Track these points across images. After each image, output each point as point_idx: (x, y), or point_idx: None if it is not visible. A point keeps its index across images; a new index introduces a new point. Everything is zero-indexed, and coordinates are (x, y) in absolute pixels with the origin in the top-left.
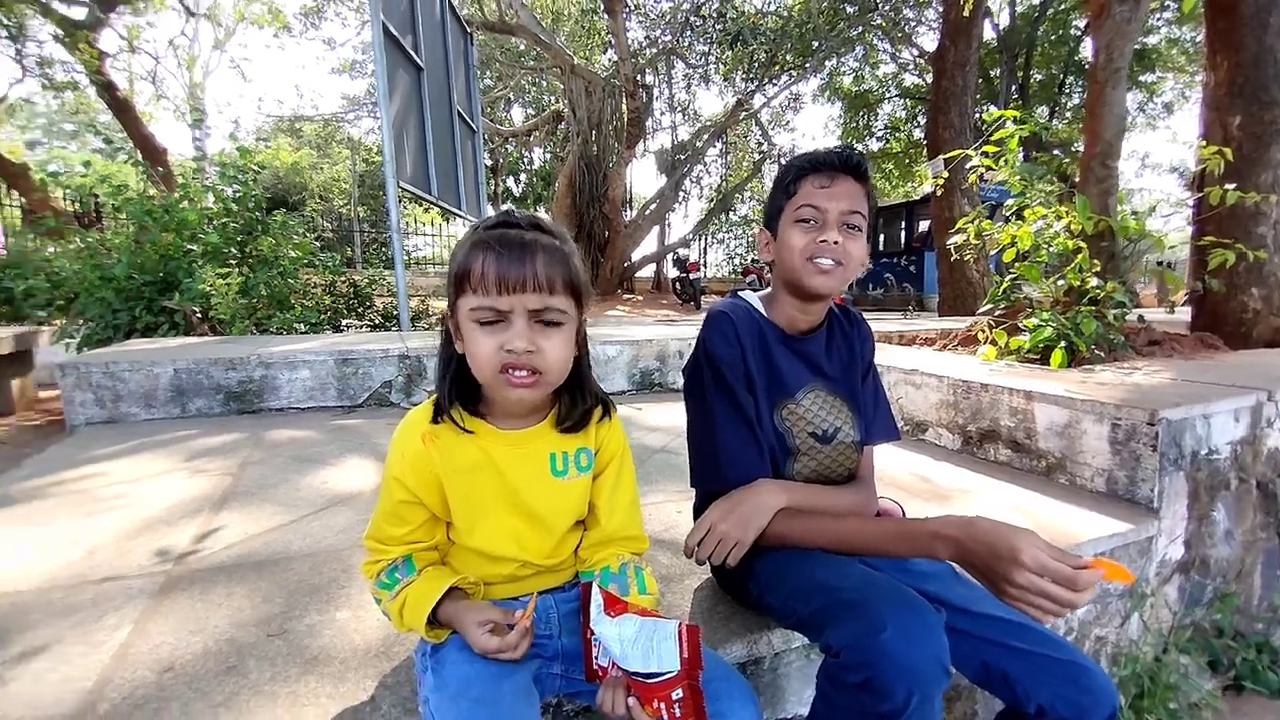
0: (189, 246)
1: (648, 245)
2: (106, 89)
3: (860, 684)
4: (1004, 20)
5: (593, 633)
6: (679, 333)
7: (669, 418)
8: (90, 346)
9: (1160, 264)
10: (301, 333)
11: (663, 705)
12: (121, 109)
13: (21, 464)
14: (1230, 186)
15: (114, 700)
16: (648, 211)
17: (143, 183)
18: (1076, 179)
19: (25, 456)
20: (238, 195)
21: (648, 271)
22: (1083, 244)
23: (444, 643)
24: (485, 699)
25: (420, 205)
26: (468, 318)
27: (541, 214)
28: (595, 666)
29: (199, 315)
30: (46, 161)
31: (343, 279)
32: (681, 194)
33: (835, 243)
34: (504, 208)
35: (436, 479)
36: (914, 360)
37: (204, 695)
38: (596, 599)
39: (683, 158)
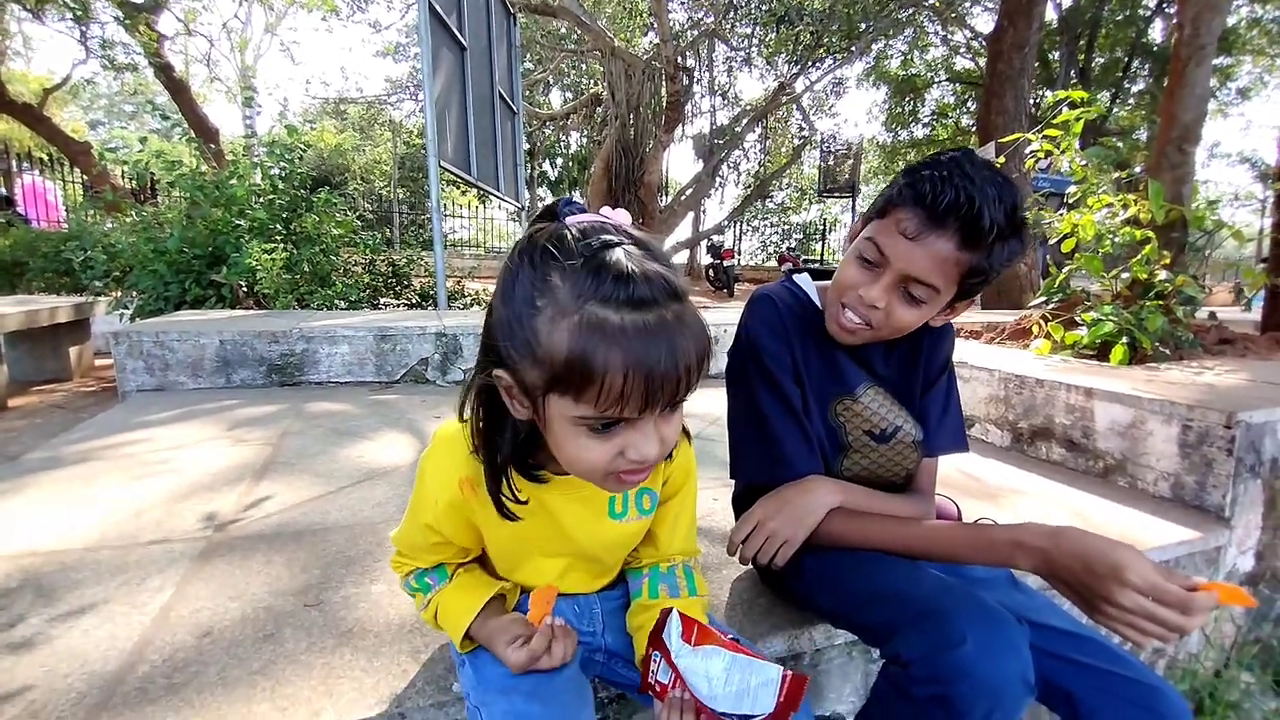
0: (237, 222)
1: (682, 231)
2: (164, 70)
3: (932, 698)
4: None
5: (658, 651)
6: (714, 319)
7: (704, 404)
8: (143, 317)
9: (1262, 260)
10: (341, 309)
11: None
12: (177, 90)
13: (75, 428)
14: None
15: (154, 661)
16: (683, 197)
17: (196, 159)
18: (1139, 167)
19: (80, 421)
20: (284, 173)
21: (680, 258)
22: (1151, 234)
23: None
24: (539, 694)
25: (458, 187)
26: (572, 421)
27: (655, 259)
28: (652, 681)
29: (245, 289)
30: (107, 141)
31: (382, 258)
32: (718, 180)
33: (874, 306)
34: (616, 219)
35: (474, 526)
36: (962, 353)
37: (241, 661)
38: (675, 624)
39: (721, 142)
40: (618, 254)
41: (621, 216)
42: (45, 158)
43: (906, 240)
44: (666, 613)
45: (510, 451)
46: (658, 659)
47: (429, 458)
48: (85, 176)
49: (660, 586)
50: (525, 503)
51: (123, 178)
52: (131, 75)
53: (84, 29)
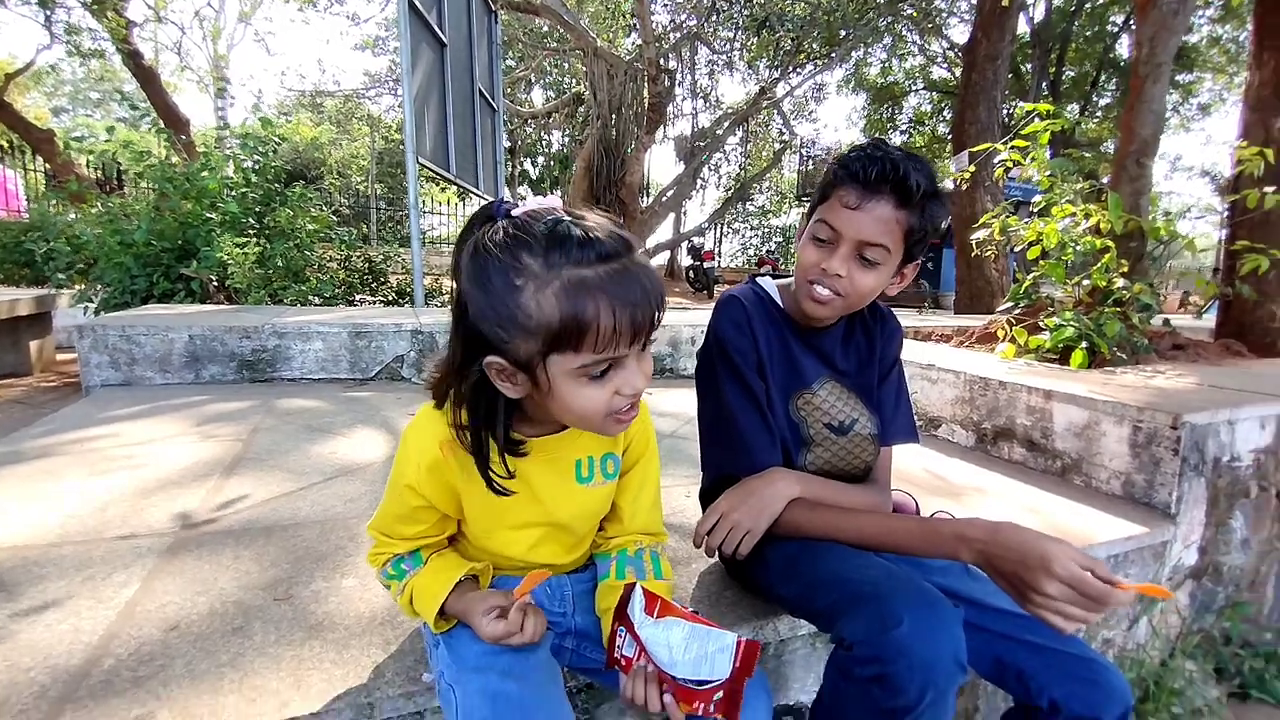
0: (208, 215)
1: (663, 232)
2: (132, 58)
3: (873, 678)
4: (1039, 14)
5: (622, 625)
6: (691, 319)
7: (680, 404)
8: (108, 310)
9: (1217, 271)
10: (316, 305)
11: (701, 704)
12: (146, 78)
13: (36, 423)
14: (1269, 190)
15: (120, 655)
16: (664, 198)
17: (166, 150)
18: (1104, 179)
19: (41, 416)
20: (258, 166)
21: (661, 259)
22: (1110, 244)
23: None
24: (514, 672)
25: (437, 184)
26: (573, 374)
27: (598, 216)
28: (618, 655)
29: (215, 283)
30: (72, 129)
31: (358, 254)
32: (699, 182)
33: (839, 275)
34: (550, 203)
35: (454, 489)
36: (930, 355)
37: (209, 654)
38: (638, 598)
39: (702, 145)
40: (571, 225)
41: (553, 201)
42: (5, 145)
43: (851, 211)
44: (630, 587)
45: (504, 433)
46: (623, 634)
47: (411, 427)
48: (48, 165)
49: (627, 569)
50: (513, 476)
51: (88, 167)
52: (98, 62)
53: (48, 13)
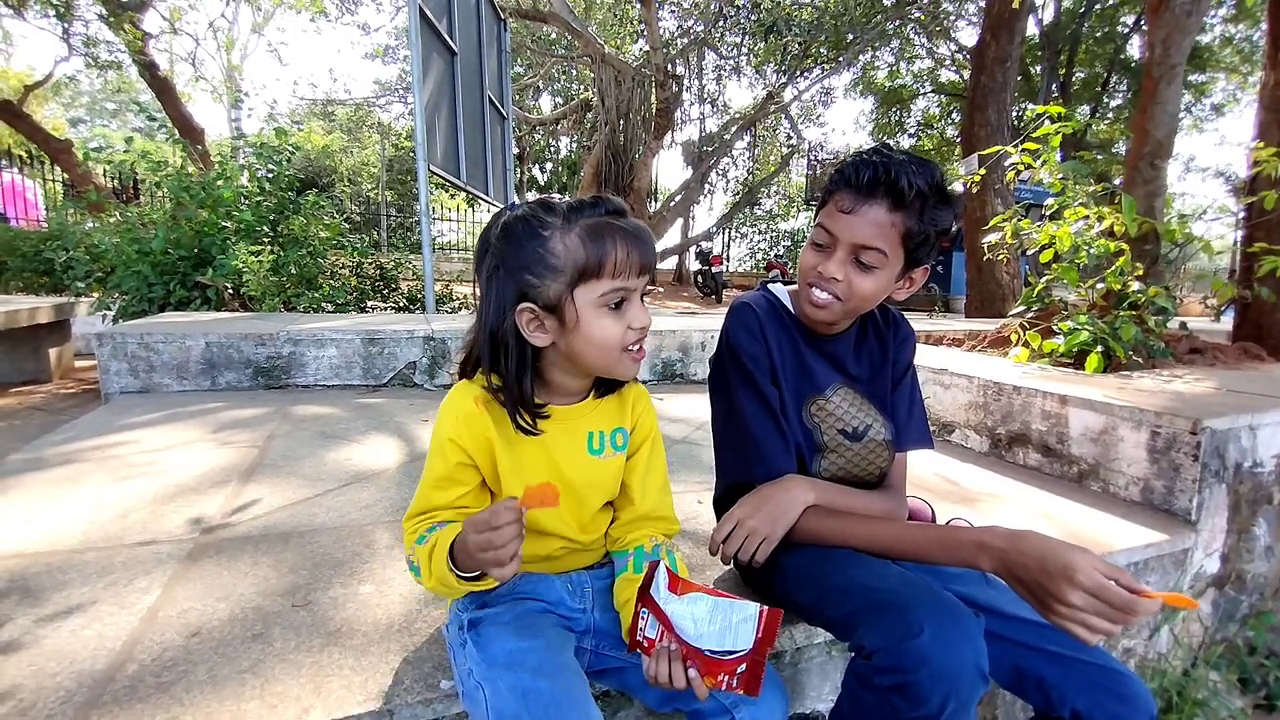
0: (223, 223)
1: (671, 237)
2: (148, 69)
3: (893, 687)
4: (1048, 15)
5: (645, 606)
6: (701, 324)
7: (691, 409)
8: (126, 318)
9: (1232, 272)
10: (329, 312)
11: (725, 677)
12: (162, 89)
13: (57, 430)
14: None
15: (143, 661)
16: (672, 203)
17: (182, 159)
18: (1117, 181)
19: (61, 423)
20: (272, 175)
21: (669, 263)
22: (1125, 246)
23: (482, 618)
24: (544, 670)
25: (447, 190)
26: (595, 304)
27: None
28: (640, 638)
29: (231, 291)
30: (89, 139)
31: (370, 261)
32: (707, 186)
33: (835, 278)
34: (559, 196)
35: (489, 441)
36: (943, 360)
37: (230, 660)
38: (662, 576)
39: (710, 150)
40: (580, 196)
41: (558, 196)
42: (25, 155)
43: (846, 215)
44: (654, 566)
45: (529, 385)
46: (645, 615)
47: (447, 397)
48: (66, 175)
49: (645, 563)
50: (536, 421)
51: (105, 177)
52: (115, 73)
53: (67, 26)
